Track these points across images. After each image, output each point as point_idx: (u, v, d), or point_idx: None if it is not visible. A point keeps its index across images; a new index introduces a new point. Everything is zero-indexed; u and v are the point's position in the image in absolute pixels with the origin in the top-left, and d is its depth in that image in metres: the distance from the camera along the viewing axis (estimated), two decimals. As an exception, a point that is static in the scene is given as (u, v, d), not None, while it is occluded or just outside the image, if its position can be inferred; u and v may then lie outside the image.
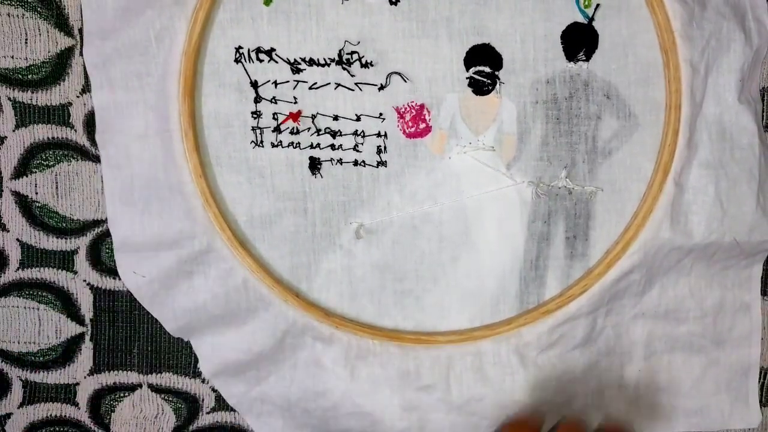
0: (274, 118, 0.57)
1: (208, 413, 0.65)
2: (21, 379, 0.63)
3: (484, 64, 0.56)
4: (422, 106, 0.57)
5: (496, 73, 0.56)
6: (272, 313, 0.58)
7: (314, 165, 0.58)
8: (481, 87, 0.56)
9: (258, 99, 0.57)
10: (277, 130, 0.57)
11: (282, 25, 0.56)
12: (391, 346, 0.59)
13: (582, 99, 0.56)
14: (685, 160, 0.56)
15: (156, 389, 0.64)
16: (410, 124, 0.57)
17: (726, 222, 0.57)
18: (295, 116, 0.57)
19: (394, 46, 0.56)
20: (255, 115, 0.57)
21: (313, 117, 0.57)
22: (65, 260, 0.62)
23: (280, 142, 0.58)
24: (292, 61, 0.56)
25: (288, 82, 0.57)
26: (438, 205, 0.58)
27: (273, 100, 0.57)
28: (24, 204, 0.61)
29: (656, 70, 0.56)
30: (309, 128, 0.57)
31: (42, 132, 0.60)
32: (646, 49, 0.56)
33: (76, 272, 0.62)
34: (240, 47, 0.56)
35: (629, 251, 0.57)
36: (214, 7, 0.55)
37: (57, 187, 0.60)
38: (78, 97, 0.59)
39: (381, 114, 0.57)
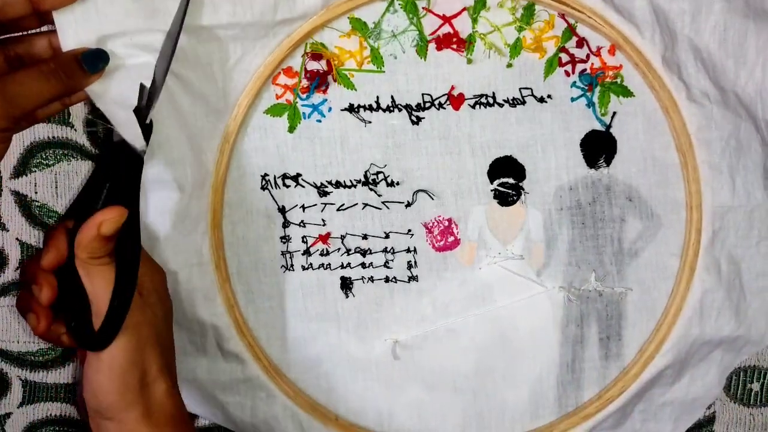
0: (303, 241, 0.57)
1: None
2: (21, 379, 0.61)
3: (507, 176, 0.57)
4: (450, 220, 0.57)
5: (520, 183, 0.57)
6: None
7: (346, 285, 0.58)
8: (506, 198, 0.57)
9: (286, 224, 0.57)
10: (306, 252, 0.57)
11: (307, 151, 0.56)
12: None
13: (605, 203, 0.57)
14: (710, 257, 0.57)
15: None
16: (439, 238, 0.57)
17: (750, 314, 0.58)
18: (324, 238, 0.57)
19: (418, 163, 0.56)
20: (284, 240, 0.57)
21: (343, 237, 0.57)
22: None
23: (311, 264, 0.57)
24: (318, 184, 0.56)
25: (315, 205, 0.57)
26: (471, 316, 0.58)
27: (301, 224, 0.57)
28: (24, 203, 0.59)
29: (675, 171, 0.57)
30: (339, 249, 0.57)
31: (42, 131, 0.58)
32: (663, 150, 0.57)
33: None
34: (266, 174, 0.56)
35: (663, 349, 0.57)
36: (238, 138, 0.55)
37: (57, 187, 0.59)
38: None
39: (410, 230, 0.57)
